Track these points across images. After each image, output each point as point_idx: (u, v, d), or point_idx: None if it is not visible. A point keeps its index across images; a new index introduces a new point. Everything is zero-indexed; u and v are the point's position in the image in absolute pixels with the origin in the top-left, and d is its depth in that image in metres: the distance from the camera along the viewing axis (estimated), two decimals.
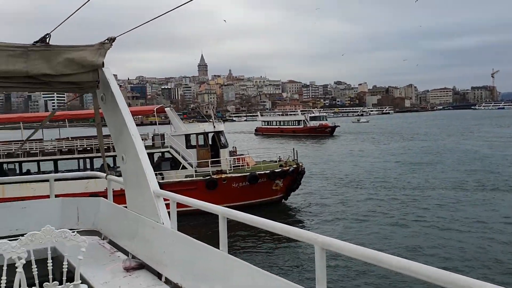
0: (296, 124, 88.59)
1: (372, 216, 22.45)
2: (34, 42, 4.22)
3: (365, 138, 76.66)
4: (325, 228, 20.40)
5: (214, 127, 25.52)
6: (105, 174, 5.91)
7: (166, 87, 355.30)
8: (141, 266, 4.69)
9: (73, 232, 3.86)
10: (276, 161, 26.62)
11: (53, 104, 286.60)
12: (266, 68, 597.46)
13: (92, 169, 23.87)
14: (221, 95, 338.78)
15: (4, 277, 3.36)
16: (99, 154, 24.11)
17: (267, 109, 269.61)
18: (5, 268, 3.37)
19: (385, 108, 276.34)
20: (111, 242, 5.58)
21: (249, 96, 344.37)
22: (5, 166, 24.16)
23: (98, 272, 4.61)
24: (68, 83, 4.39)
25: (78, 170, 24.33)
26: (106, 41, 4.42)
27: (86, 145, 24.19)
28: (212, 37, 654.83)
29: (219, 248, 3.61)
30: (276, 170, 24.72)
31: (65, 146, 23.73)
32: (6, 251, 3.33)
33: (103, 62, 4.39)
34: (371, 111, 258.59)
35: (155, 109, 25.86)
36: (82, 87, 4.57)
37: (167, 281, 4.25)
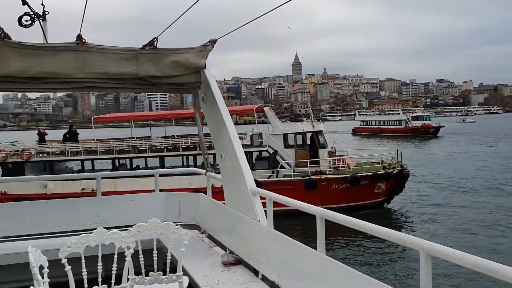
0: (397, 124, 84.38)
1: (478, 224, 20.71)
2: (143, 45, 4.41)
3: (473, 140, 70.92)
4: (428, 234, 19.04)
5: (313, 126, 25.07)
6: (205, 171, 6.07)
7: (260, 87, 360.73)
8: (238, 261, 4.75)
9: (176, 225, 3.96)
10: (378, 163, 25.48)
11: (156, 104, 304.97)
12: (363, 65, 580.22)
13: (195, 165, 24.65)
14: (315, 94, 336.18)
15: (114, 265, 3.49)
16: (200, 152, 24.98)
17: (363, 108, 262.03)
18: (115, 256, 3.51)
19: (493, 107, 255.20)
20: (210, 237, 5.68)
21: (345, 95, 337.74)
22: (117, 161, 25.83)
23: (198, 264, 4.73)
24: (173, 84, 4.60)
25: (182, 166, 25.29)
26: (208, 43, 4.54)
27: (190, 143, 25.00)
28: (307, 36, 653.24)
29: (316, 249, 3.58)
30: (379, 172, 23.64)
31: (171, 144, 24.75)
32: (117, 240, 3.50)
33: (205, 64, 4.53)
34: (477, 110, 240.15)
35: (254, 109, 26.07)
36: (185, 88, 4.77)
37: (264, 278, 4.26)
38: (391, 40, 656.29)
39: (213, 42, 4.55)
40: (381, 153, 27.44)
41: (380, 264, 16.12)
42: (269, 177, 23.80)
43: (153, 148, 25.21)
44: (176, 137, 25.12)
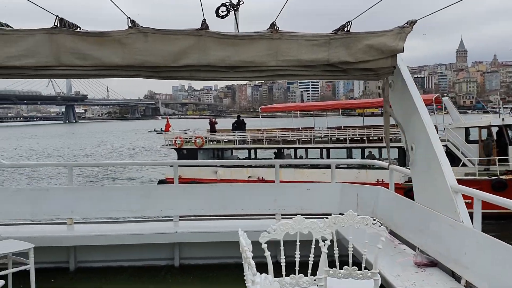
0: None
1: None
2: (335, 30, 4.30)
3: None
4: None
5: (503, 120, 21.82)
6: (387, 164, 5.78)
7: (419, 75, 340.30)
8: (433, 263, 4.44)
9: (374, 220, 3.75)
10: None
11: (308, 95, 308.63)
12: None
13: (362, 158, 23.49)
14: (482, 84, 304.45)
15: (311, 255, 3.47)
16: (370, 144, 23.85)
17: None
18: (313, 246, 3.48)
19: None
20: (391, 233, 5.39)
21: None
22: (282, 151, 25.93)
23: (388, 263, 4.51)
24: (364, 70, 4.41)
25: (348, 158, 24.43)
26: (406, 24, 4.26)
27: (358, 134, 23.84)
28: (473, 20, 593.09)
29: None
30: None
31: (337, 135, 23.90)
32: (314, 230, 3.48)
33: (403, 48, 4.25)
34: None
35: (433, 98, 23.72)
36: (377, 74, 4.50)
37: (468, 285, 3.90)
38: None
39: (411, 23, 4.25)
40: None
41: None
42: None
43: (317, 139, 24.66)
44: (343, 128, 24.19)
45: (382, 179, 21.62)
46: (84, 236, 5.72)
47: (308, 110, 28.33)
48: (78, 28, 4.02)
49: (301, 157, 25.68)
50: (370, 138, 23.57)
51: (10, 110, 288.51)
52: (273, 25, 4.11)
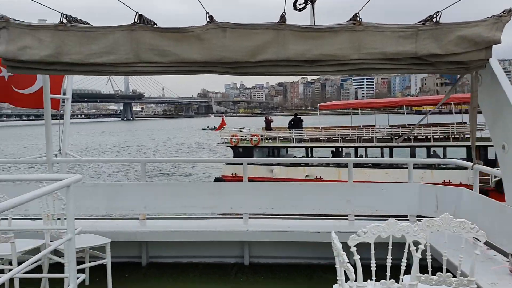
0: None
1: None
2: (421, 21, 4.08)
3: None
4: None
5: None
6: (472, 163, 5.41)
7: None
8: None
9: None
10: None
11: (362, 92, 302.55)
12: None
13: (428, 157, 22.27)
14: None
15: (404, 260, 3.31)
16: (435, 143, 22.51)
17: None
18: (406, 250, 3.31)
19: None
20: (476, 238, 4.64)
21: None
22: (342, 150, 25.09)
23: (482, 270, 4.17)
24: (454, 63, 4.14)
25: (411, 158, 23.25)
26: (503, 13, 3.91)
27: (424, 133, 22.57)
28: None
29: None
30: None
31: (401, 133, 22.74)
32: (408, 234, 3.30)
33: (500, 38, 3.91)
34: None
35: None
36: (468, 67, 4.20)
37: None
38: None
39: (510, 11, 3.88)
40: None
41: None
42: None
43: (379, 137, 23.62)
44: (407, 126, 22.98)
45: (449, 180, 20.39)
46: (157, 232, 5.78)
47: (370, 107, 27.23)
48: (155, 25, 4.01)
49: (361, 156, 24.72)
50: (436, 137, 22.22)
51: (72, 108, 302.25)
52: (355, 16, 3.96)
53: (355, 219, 5.85)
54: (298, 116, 27.23)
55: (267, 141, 27.11)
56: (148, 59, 3.94)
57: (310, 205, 5.99)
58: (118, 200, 6.20)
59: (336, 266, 3.10)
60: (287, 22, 3.90)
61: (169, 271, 5.70)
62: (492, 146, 19.22)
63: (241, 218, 6.13)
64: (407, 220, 5.62)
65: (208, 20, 3.88)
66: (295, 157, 28.34)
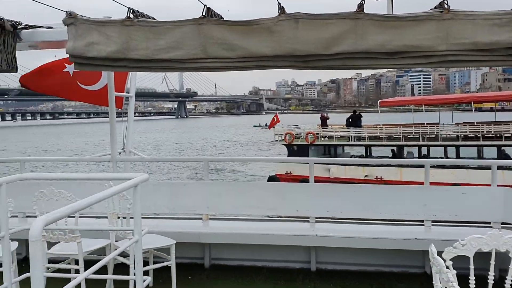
0: None
1: None
2: None
3: None
4: None
5: None
6: None
7: None
8: None
9: None
10: None
11: (419, 88, 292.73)
12: None
13: (498, 157, 20.68)
14: None
15: (509, 277, 2.92)
16: (507, 142, 20.77)
17: None
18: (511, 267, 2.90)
19: None
20: None
21: None
22: (403, 149, 23.84)
23: None
24: None
25: (479, 158, 21.76)
26: None
27: (494, 131, 20.94)
28: None
29: None
30: None
31: (469, 131, 21.21)
32: None
33: None
34: None
35: None
36: None
37: None
38: None
39: None
40: None
41: None
42: None
43: (444, 135, 22.19)
44: (476, 124, 21.41)
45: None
46: (221, 233, 5.64)
47: (434, 104, 25.69)
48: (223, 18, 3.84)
49: (424, 156, 23.35)
50: (508, 135, 20.51)
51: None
52: (442, 3, 3.56)
53: (432, 225, 5.46)
54: (357, 113, 26.14)
55: (323, 139, 26.27)
56: (216, 54, 3.75)
57: (382, 209, 5.61)
58: (181, 199, 6.09)
59: (433, 283, 2.85)
60: (365, 11, 3.59)
61: (233, 274, 5.55)
62: None
63: (308, 221, 5.84)
64: (490, 227, 5.14)
65: (280, 11, 3.63)
66: (353, 156, 27.30)
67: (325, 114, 28.10)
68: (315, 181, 5.89)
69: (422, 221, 5.49)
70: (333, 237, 5.37)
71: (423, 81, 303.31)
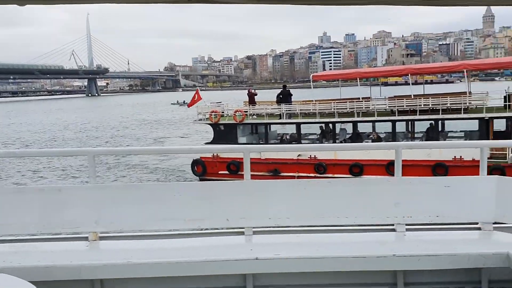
0: None
1: None
2: None
3: None
4: None
5: None
6: None
7: (444, 42, 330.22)
8: None
9: None
10: None
11: (330, 64, 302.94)
12: None
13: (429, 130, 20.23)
14: (510, 50, 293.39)
15: None
16: (447, 116, 20.43)
17: None
18: None
19: None
20: None
21: None
22: (332, 126, 22.78)
23: None
24: None
25: (408, 132, 21.49)
26: None
27: (432, 104, 20.33)
28: None
29: None
30: None
31: (405, 105, 20.48)
32: None
33: None
34: None
35: None
36: None
37: None
38: None
39: None
40: None
41: None
42: None
43: (379, 111, 21.40)
44: (412, 97, 20.68)
45: (461, 156, 18.47)
46: (116, 265, 3.78)
47: (371, 77, 24.88)
48: None
49: (359, 133, 22.45)
50: (444, 108, 20.02)
51: (34, 84, 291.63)
52: None
53: (407, 230, 4.08)
54: (287, 89, 24.57)
55: (251, 117, 24.43)
56: None
57: (342, 212, 4.17)
58: (56, 212, 4.20)
59: None
60: None
61: None
62: (500, 118, 17.25)
63: (243, 233, 4.22)
64: (479, 229, 3.97)
65: None
66: (279, 134, 25.83)
67: (253, 90, 26.18)
68: (269, 180, 4.31)
69: (393, 225, 4.12)
70: (278, 260, 3.79)
71: (334, 57, 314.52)
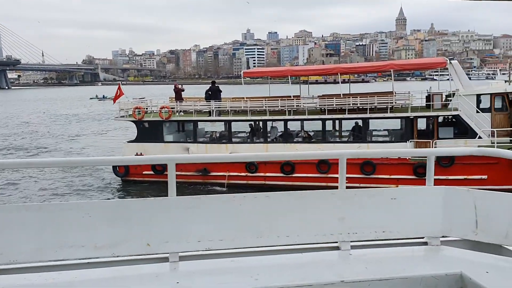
0: None
1: None
2: None
3: None
4: None
5: None
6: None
7: (360, 43, 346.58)
8: None
9: None
10: None
11: (254, 61, 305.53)
12: (475, 21, 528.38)
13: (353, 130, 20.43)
14: (420, 52, 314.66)
15: None
16: (374, 116, 20.74)
17: (474, 67, 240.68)
18: None
19: None
20: None
21: (453, 52, 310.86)
22: (258, 123, 22.43)
23: None
24: None
25: (335, 131, 21.59)
26: None
27: (360, 104, 20.56)
28: None
29: None
30: None
31: (336, 105, 20.54)
32: None
33: None
34: None
35: (448, 61, 20.81)
36: None
37: None
38: None
39: None
40: None
41: None
42: None
43: (310, 109, 21.36)
44: (342, 96, 20.77)
45: (387, 157, 18.77)
46: None
47: (302, 75, 24.66)
48: None
49: (290, 131, 22.22)
50: (372, 107, 20.37)
51: None
52: None
53: (352, 248, 3.72)
54: (216, 85, 23.72)
55: (178, 114, 23.31)
56: None
57: (281, 231, 3.71)
58: None
59: None
60: None
61: None
62: (423, 117, 17.93)
63: (167, 261, 3.57)
64: (425, 244, 3.70)
65: None
66: (207, 132, 24.97)
67: (180, 86, 25.03)
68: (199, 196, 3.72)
69: (337, 242, 3.74)
70: None
71: (257, 55, 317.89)
